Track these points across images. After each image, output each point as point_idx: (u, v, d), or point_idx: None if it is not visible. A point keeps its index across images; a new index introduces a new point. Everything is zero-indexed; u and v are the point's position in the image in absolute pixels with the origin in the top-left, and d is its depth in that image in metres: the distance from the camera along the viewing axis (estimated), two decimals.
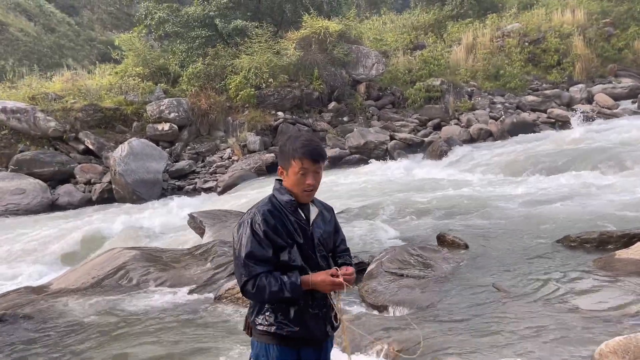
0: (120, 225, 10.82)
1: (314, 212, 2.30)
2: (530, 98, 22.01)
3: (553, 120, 20.46)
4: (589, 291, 4.39)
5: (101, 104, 17.55)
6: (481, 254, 6.01)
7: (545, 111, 21.02)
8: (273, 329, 2.16)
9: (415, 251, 5.97)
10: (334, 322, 2.27)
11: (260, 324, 2.19)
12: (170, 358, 4.21)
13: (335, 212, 2.59)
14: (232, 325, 4.49)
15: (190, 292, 6.04)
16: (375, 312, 4.85)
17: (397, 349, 3.81)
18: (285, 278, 2.09)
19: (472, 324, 4.07)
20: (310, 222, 2.26)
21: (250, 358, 2.26)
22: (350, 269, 2.29)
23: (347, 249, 2.50)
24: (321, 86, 19.79)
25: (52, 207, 14.17)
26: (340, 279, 2.12)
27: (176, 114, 17.34)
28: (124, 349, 4.50)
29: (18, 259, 9.54)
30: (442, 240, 6.41)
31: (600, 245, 5.62)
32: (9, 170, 15.00)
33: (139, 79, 18.58)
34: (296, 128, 18.10)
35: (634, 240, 5.20)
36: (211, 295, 5.83)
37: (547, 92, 22.36)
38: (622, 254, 4.93)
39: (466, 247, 6.23)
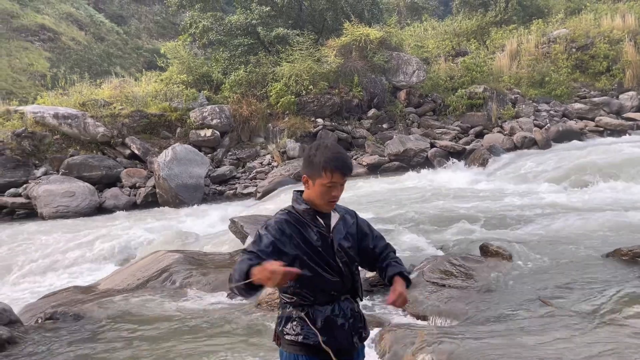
0: (164, 228, 11.10)
1: (334, 218, 2.30)
2: (577, 106, 21.35)
3: (602, 128, 19.80)
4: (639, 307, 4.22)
5: (147, 110, 18.12)
6: (526, 265, 5.86)
7: (593, 119, 20.36)
8: (300, 338, 2.18)
9: (458, 261, 5.88)
10: (362, 333, 2.24)
11: (288, 334, 2.21)
12: (212, 357, 4.29)
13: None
14: (269, 332, 4.53)
15: (230, 296, 6.13)
16: (416, 321, 4.81)
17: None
18: (254, 261, 2.03)
19: (515, 338, 3.96)
20: (331, 229, 2.26)
21: None
22: (404, 288, 2.23)
23: (387, 246, 2.45)
24: (361, 93, 19.80)
25: (100, 209, 14.67)
26: (269, 267, 1.92)
27: (218, 121, 17.70)
28: (166, 350, 4.61)
29: (67, 259, 9.91)
30: (485, 250, 6.28)
31: None
32: (60, 173, 15.62)
33: (183, 86, 19.10)
34: (335, 135, 18.16)
35: None
36: (253, 299, 5.90)
37: (595, 99, 21.63)
38: None
39: (510, 258, 6.08)
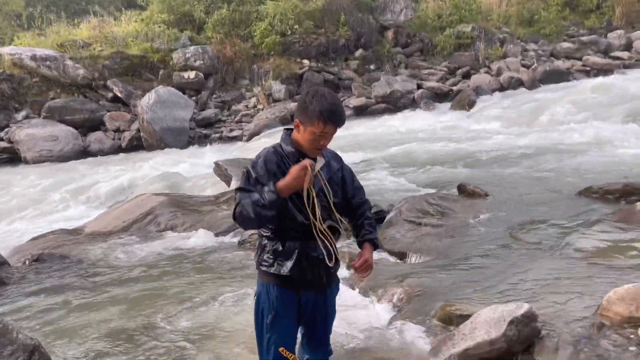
0: (149, 172, 11.12)
1: (320, 163, 2.34)
2: (565, 45, 21.11)
3: (589, 68, 19.66)
4: (607, 241, 4.40)
5: (128, 51, 17.65)
6: (501, 204, 6.03)
7: (580, 59, 20.18)
8: (272, 269, 2.28)
9: (435, 200, 6.03)
10: (329, 263, 2.32)
11: (262, 264, 2.31)
12: (194, 295, 4.47)
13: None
14: (252, 268, 4.69)
15: (215, 236, 6.28)
16: (392, 259, 5.00)
17: (411, 293, 3.95)
18: (262, 189, 2.15)
19: (485, 272, 4.16)
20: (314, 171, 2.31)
21: (254, 295, 2.39)
22: (370, 254, 2.33)
23: (365, 202, 2.50)
24: (347, 33, 19.37)
25: (84, 153, 14.59)
26: (306, 161, 2.12)
27: (202, 62, 17.34)
28: (151, 288, 4.78)
29: (53, 202, 9.97)
30: (462, 190, 6.43)
31: (623, 196, 5.56)
32: (42, 117, 15.39)
33: (165, 26, 18.53)
34: (322, 77, 17.92)
35: None
36: (235, 240, 6.05)
37: (584, 38, 21.38)
38: None
39: (486, 196, 6.25)
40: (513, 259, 4.35)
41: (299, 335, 2.44)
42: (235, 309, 4.10)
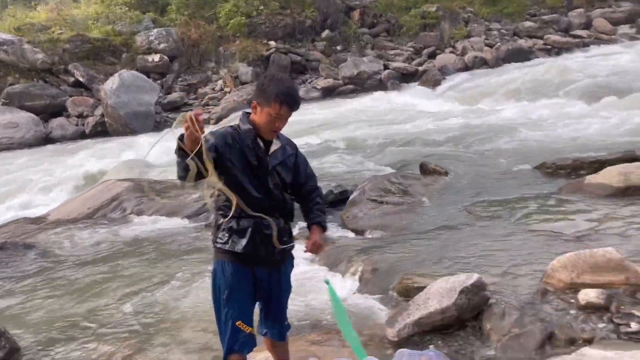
0: (114, 157, 10.98)
1: (275, 145, 2.44)
2: (528, 24, 21.50)
3: (550, 46, 20.08)
4: (555, 213, 4.64)
5: (89, 34, 17.19)
6: (460, 181, 6.24)
7: (542, 37, 20.59)
8: (227, 246, 2.37)
9: (397, 179, 6.19)
10: (287, 244, 2.42)
11: (217, 242, 2.40)
12: (160, 279, 4.53)
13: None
14: None
15: (181, 221, 6.31)
16: (355, 236, 5.14)
17: (372, 268, 4.10)
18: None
19: (441, 245, 4.34)
20: (269, 153, 2.39)
21: (211, 273, 2.48)
22: (319, 236, 2.44)
23: (316, 189, 2.58)
24: (314, 13, 19.28)
25: (46, 140, 14.25)
26: (189, 114, 2.10)
27: (166, 45, 17.03)
28: (114, 272, 4.81)
29: (14, 191, 9.76)
30: (423, 168, 6.61)
31: (573, 171, 5.83)
32: (1, 103, 14.92)
33: (126, 8, 18.08)
34: (289, 58, 17.83)
35: (605, 166, 5.38)
36: (202, 223, 6.09)
37: (545, 17, 21.81)
38: (592, 179, 5.15)
39: (447, 174, 6.45)
40: (468, 233, 4.54)
41: (257, 311, 2.54)
42: (197, 289, 4.19)
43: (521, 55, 18.59)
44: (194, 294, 4.13)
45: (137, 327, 3.72)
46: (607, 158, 5.72)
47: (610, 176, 5.03)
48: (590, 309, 2.92)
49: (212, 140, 2.28)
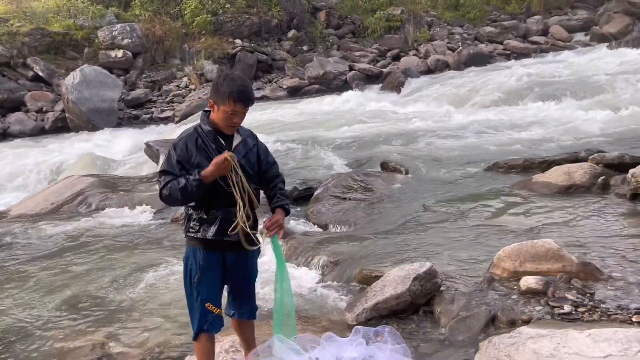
0: (76, 153, 10.84)
1: (236, 140, 2.61)
2: (488, 29, 22.23)
3: (509, 52, 20.80)
4: (504, 208, 4.97)
5: (49, 27, 16.82)
6: (419, 179, 6.53)
7: (501, 43, 21.31)
8: (198, 234, 2.54)
9: (360, 177, 6.44)
10: (254, 231, 2.59)
11: (189, 231, 2.57)
12: (127, 269, 4.62)
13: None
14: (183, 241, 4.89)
15: (146, 215, 6.38)
16: (319, 230, 5.35)
17: (334, 260, 4.31)
18: (188, 177, 2.43)
19: (399, 238, 4.59)
20: (231, 149, 2.56)
21: (183, 259, 2.64)
22: (280, 216, 2.61)
23: (278, 175, 2.75)
24: (280, 13, 19.41)
25: (4, 135, 13.90)
26: (224, 155, 2.42)
27: (130, 40, 16.83)
28: (84, 265, 4.86)
29: None
30: (385, 166, 6.88)
31: (524, 170, 6.21)
32: None
33: (88, 2, 17.76)
34: (255, 57, 17.91)
35: (552, 166, 5.78)
36: (167, 218, 6.18)
37: (505, 23, 22.61)
38: (539, 177, 5.51)
39: (407, 172, 6.73)
40: (424, 227, 4.81)
41: (226, 294, 2.70)
42: (165, 277, 4.31)
43: (482, 60, 19.20)
44: (163, 282, 4.25)
45: (106, 315, 3.81)
46: (554, 158, 6.12)
47: (556, 175, 5.40)
48: (530, 294, 3.20)
49: (175, 157, 2.47)
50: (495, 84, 13.05)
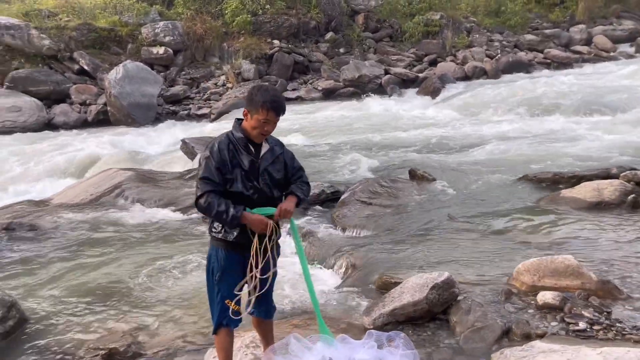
0: (116, 147, 11.26)
1: (265, 148, 2.77)
2: (529, 37, 21.85)
3: (549, 61, 20.41)
4: (529, 222, 4.97)
5: (95, 23, 17.43)
6: (446, 188, 6.55)
7: (542, 51, 20.93)
8: (220, 235, 2.70)
9: (387, 183, 6.51)
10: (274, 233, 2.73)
11: (212, 231, 2.74)
12: (157, 262, 4.84)
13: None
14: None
15: (180, 211, 6.61)
16: (343, 234, 5.46)
17: (355, 264, 4.42)
18: (231, 207, 2.59)
19: (420, 246, 4.66)
20: (260, 156, 2.71)
21: (207, 257, 2.81)
22: (289, 204, 2.73)
23: (301, 177, 2.88)
24: (318, 15, 19.58)
25: (48, 126, 14.48)
26: (270, 222, 2.61)
27: (171, 38, 17.29)
28: (118, 255, 5.11)
29: (18, 174, 10.03)
30: (413, 174, 6.93)
31: (553, 184, 6.16)
32: (5, 87, 15.14)
33: None
34: (292, 58, 18.13)
35: (582, 181, 5.72)
36: (198, 215, 6.38)
37: (547, 31, 22.17)
38: (567, 192, 5.48)
39: (434, 181, 6.76)
40: (446, 236, 4.87)
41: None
42: (191, 272, 4.51)
43: (521, 68, 18.92)
44: (189, 276, 4.45)
45: (137, 303, 4.03)
46: (584, 174, 6.06)
47: (585, 191, 5.36)
48: (546, 309, 3.24)
49: (214, 164, 2.63)
50: (532, 94, 12.87)
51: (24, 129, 14.00)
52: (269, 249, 2.64)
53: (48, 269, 4.77)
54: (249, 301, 2.79)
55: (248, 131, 2.70)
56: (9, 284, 4.35)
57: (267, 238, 2.62)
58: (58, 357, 3.38)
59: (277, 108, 2.65)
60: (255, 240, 2.64)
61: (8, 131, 13.73)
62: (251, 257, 2.62)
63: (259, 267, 2.62)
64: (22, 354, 3.45)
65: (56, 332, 3.67)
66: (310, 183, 2.99)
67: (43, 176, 9.85)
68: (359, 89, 17.36)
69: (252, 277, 2.63)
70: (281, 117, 2.77)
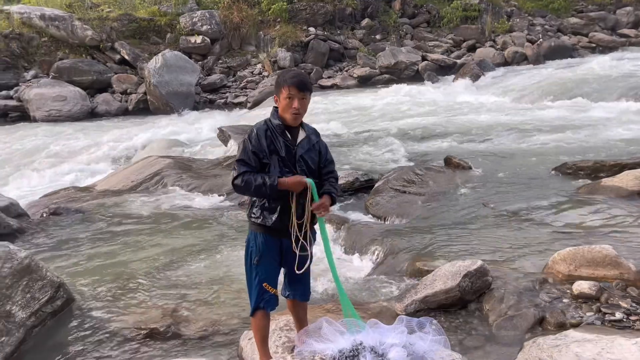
0: (156, 134, 11.56)
1: (301, 135, 2.83)
2: (573, 20, 21.11)
3: (594, 44, 19.70)
4: (566, 211, 4.86)
5: (135, 13, 17.84)
6: (482, 176, 6.46)
7: (587, 35, 20.22)
8: (259, 220, 2.78)
9: (421, 171, 6.48)
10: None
11: (251, 216, 2.82)
12: (195, 247, 5.00)
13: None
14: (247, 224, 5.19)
15: (218, 197, 6.77)
16: (376, 221, 5.48)
17: (388, 251, 4.45)
18: (266, 177, 2.66)
19: (454, 234, 4.64)
20: (296, 143, 2.77)
21: (245, 241, 2.89)
22: (323, 202, 2.79)
23: (332, 172, 2.92)
24: (354, 2, 19.45)
25: (91, 114, 15.00)
26: (305, 180, 2.67)
27: (208, 27, 17.52)
28: (157, 239, 5.30)
29: (63, 161, 10.45)
30: (448, 162, 6.86)
31: (593, 173, 5.98)
32: (50, 77, 15.72)
33: None
34: (327, 45, 18.11)
35: (624, 170, 5.53)
36: (236, 201, 6.53)
37: (592, 14, 21.35)
38: (608, 181, 5.32)
39: (470, 168, 6.68)
40: (481, 224, 4.82)
41: (282, 277, 2.93)
42: (229, 257, 4.63)
43: (564, 53, 18.32)
44: (225, 261, 4.58)
45: (177, 285, 4.18)
46: (627, 162, 5.86)
47: (627, 180, 5.19)
48: (582, 298, 3.19)
49: (250, 148, 2.72)
50: (575, 79, 12.48)
51: (69, 117, 14.55)
52: (308, 207, 2.71)
53: (91, 252, 4.99)
54: (285, 284, 2.86)
55: (283, 116, 2.77)
56: (56, 265, 4.58)
57: (307, 200, 2.69)
58: (102, 335, 3.56)
59: (297, 82, 2.72)
60: (294, 204, 2.71)
61: (54, 120, 14.29)
62: (292, 215, 2.71)
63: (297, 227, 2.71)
64: (69, 332, 3.64)
65: (100, 312, 3.85)
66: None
67: (87, 163, 10.24)
68: (395, 75, 17.20)
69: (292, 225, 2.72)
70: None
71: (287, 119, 2.77)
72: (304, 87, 2.75)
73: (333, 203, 2.87)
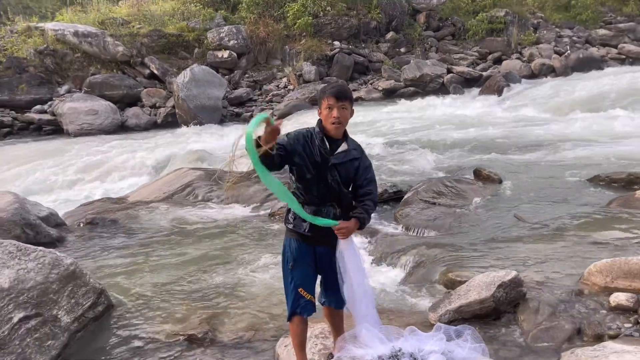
0: (185, 147, 11.79)
1: (342, 147, 2.89)
2: (602, 32, 20.83)
3: (623, 56, 19.40)
4: (600, 223, 4.81)
5: (164, 29, 18.30)
6: (513, 188, 6.44)
7: (616, 46, 19.92)
8: (293, 227, 2.87)
9: (451, 183, 6.49)
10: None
11: (287, 223, 2.91)
12: (229, 257, 5.09)
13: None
14: (280, 236, 5.27)
15: (248, 208, 6.88)
16: (405, 232, 5.50)
17: (419, 262, 4.47)
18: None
19: (486, 246, 4.63)
20: (334, 153, 2.83)
21: (282, 246, 2.97)
22: (350, 225, 2.82)
23: (370, 193, 2.91)
24: (379, 15, 19.59)
25: (122, 128, 15.37)
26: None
27: (235, 42, 17.86)
28: (190, 250, 5.41)
29: (96, 173, 10.73)
30: (478, 174, 6.85)
31: (627, 185, 5.91)
32: (83, 91, 16.19)
33: (200, 5, 19.06)
34: (352, 59, 18.25)
35: None
36: (266, 212, 6.63)
37: (621, 25, 21.06)
38: None
39: (500, 181, 6.66)
40: (513, 236, 4.81)
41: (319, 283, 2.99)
42: (262, 268, 4.71)
43: (592, 65, 18.06)
44: (259, 270, 4.66)
45: (213, 293, 4.28)
46: None
47: None
48: (619, 310, 3.17)
49: (280, 141, 2.79)
50: (604, 91, 12.32)
51: (100, 130, 14.94)
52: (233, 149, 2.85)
53: (127, 260, 5.13)
54: (321, 291, 2.92)
55: (325, 126, 2.86)
56: (96, 273, 4.71)
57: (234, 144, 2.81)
58: (142, 340, 3.66)
59: (335, 92, 2.82)
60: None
61: (86, 133, 14.70)
62: None
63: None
64: (110, 337, 3.75)
65: (138, 318, 3.96)
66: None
67: (120, 175, 10.50)
68: (420, 88, 17.21)
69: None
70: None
71: (329, 129, 2.85)
72: (341, 96, 2.84)
73: (361, 227, 2.91)
